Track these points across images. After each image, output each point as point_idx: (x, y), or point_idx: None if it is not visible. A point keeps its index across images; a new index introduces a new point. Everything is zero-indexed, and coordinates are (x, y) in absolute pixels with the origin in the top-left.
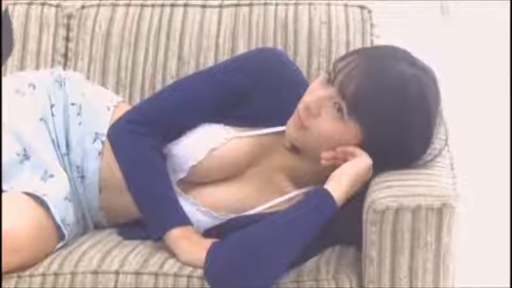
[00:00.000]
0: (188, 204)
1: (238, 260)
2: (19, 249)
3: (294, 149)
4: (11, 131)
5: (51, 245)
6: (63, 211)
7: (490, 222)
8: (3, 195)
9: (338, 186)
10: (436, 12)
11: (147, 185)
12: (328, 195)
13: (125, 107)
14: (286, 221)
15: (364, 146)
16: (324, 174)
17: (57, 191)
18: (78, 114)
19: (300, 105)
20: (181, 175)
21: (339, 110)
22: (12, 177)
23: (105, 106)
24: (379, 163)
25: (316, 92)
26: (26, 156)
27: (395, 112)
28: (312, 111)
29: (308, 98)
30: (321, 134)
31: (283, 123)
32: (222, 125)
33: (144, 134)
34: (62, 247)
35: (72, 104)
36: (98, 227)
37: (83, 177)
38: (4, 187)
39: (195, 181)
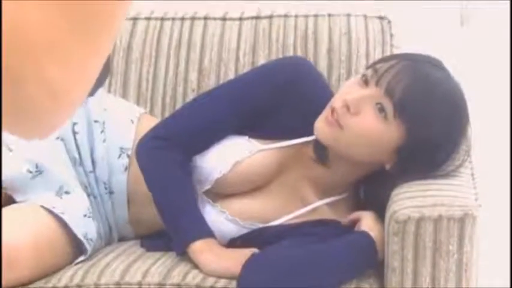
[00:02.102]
0: (215, 212)
1: (277, 279)
2: (19, 261)
3: (320, 159)
4: (24, 149)
5: (64, 259)
6: (83, 227)
7: (489, 221)
8: (17, 205)
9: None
10: (456, 22)
11: (169, 200)
12: (376, 251)
13: (148, 118)
14: (336, 260)
15: (403, 147)
16: (347, 185)
17: (74, 208)
18: (102, 131)
19: (338, 103)
20: (207, 187)
21: (382, 110)
22: (27, 192)
23: (128, 120)
24: (407, 167)
25: (355, 91)
26: (39, 172)
27: (442, 116)
28: (351, 110)
29: (348, 96)
30: (360, 133)
31: (308, 134)
32: (246, 138)
33: (168, 149)
34: (84, 260)
35: (95, 122)
36: (122, 240)
37: (111, 192)
38: (19, 198)
39: (220, 192)
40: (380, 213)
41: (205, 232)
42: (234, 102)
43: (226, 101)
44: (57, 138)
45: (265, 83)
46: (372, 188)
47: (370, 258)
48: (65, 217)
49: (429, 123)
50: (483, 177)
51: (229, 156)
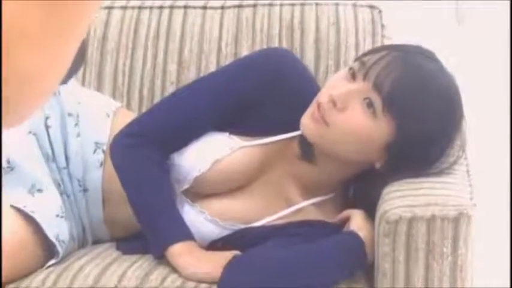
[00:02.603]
0: (194, 213)
1: (260, 281)
2: None
3: (305, 156)
4: None
5: (35, 262)
6: (56, 228)
7: (486, 221)
8: None
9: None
10: (451, 20)
11: (145, 201)
12: (365, 253)
13: (124, 113)
14: (324, 261)
15: (393, 144)
16: (334, 184)
17: (46, 207)
18: (76, 125)
19: (324, 98)
20: (185, 186)
21: (370, 105)
22: None
23: (104, 113)
24: (399, 165)
25: (342, 86)
26: (10, 168)
27: (435, 111)
28: (337, 106)
29: (334, 91)
30: (347, 130)
31: (291, 130)
32: (227, 134)
33: (144, 147)
34: (55, 263)
35: (69, 115)
36: (97, 242)
37: (85, 190)
38: None
39: (200, 192)
40: (370, 214)
41: (185, 234)
42: (216, 97)
43: (207, 95)
44: (30, 132)
45: (249, 76)
46: (361, 187)
47: (359, 260)
48: (36, 216)
49: (421, 118)
50: (480, 174)
51: (208, 154)
